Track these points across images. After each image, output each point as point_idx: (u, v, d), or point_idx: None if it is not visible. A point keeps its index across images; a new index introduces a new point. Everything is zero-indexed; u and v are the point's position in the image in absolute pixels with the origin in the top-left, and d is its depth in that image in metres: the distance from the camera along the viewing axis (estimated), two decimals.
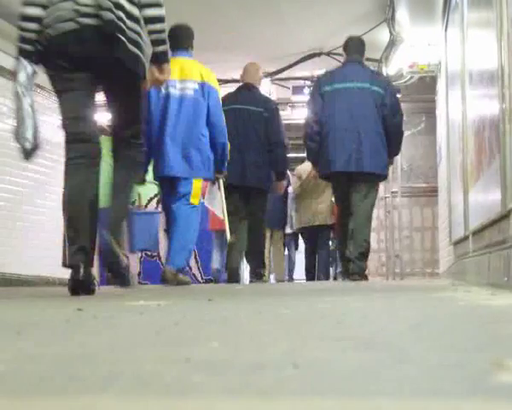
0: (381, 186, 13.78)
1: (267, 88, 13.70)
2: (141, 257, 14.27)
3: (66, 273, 12.37)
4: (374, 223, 13.24)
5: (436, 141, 12.36)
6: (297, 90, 13.46)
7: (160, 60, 4.56)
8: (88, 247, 4.57)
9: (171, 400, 1.19)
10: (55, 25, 4.32)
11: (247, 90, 8.45)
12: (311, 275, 12.37)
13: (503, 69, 4.34)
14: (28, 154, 4.98)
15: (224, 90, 13.28)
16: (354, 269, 7.69)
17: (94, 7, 4.12)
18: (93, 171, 4.90)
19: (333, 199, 10.42)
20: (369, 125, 7.52)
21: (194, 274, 14.14)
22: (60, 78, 4.61)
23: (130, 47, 4.26)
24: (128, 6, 4.22)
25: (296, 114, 14.40)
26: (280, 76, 13.05)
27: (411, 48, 10.69)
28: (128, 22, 4.23)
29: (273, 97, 13.87)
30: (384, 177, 8.02)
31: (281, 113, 13.62)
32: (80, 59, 4.34)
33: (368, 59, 11.98)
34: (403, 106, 13.42)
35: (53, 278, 11.82)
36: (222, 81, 13.48)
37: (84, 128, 4.71)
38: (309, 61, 12.16)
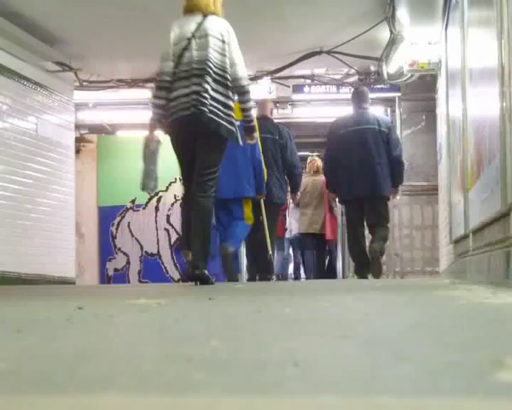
0: None
1: (267, 87, 13.69)
2: (141, 256, 14.27)
3: (65, 272, 12.31)
4: None
5: (436, 139, 12.34)
6: (297, 88, 13.42)
7: (249, 131, 6.65)
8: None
9: (172, 398, 1.20)
10: (173, 115, 6.28)
11: (263, 122, 9.35)
12: (309, 274, 13.24)
13: (504, 68, 4.34)
14: (149, 193, 7.43)
15: None
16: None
17: (200, 102, 6.15)
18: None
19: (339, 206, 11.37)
20: (378, 157, 9.11)
21: None
22: (176, 146, 6.52)
23: (229, 127, 6.24)
24: (224, 100, 6.22)
25: (296, 112, 14.40)
26: (280, 74, 13.01)
27: (412, 46, 10.66)
28: (224, 110, 6.19)
29: (273, 96, 13.86)
30: (388, 198, 9.47)
31: (281, 111, 13.69)
32: (189, 135, 6.31)
33: (368, 57, 12.00)
34: (403, 104, 13.47)
35: (54, 277, 11.82)
36: None
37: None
38: (309, 60, 12.11)
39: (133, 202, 14.40)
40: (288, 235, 14.34)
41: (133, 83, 13.61)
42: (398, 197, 10.53)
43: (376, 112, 10.41)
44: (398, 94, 13.29)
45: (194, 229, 6.30)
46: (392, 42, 10.73)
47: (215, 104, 6.17)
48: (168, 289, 6.62)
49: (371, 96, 13.53)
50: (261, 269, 9.38)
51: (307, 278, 13.68)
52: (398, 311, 3.11)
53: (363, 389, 1.22)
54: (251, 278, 9.52)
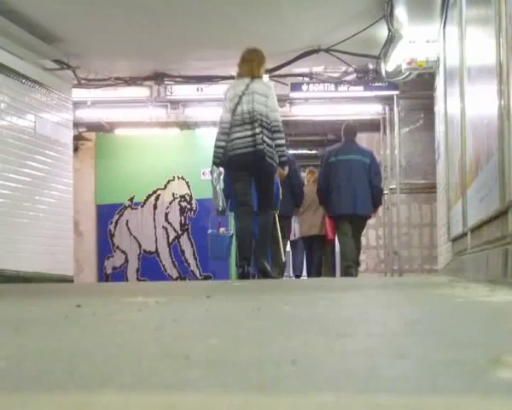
0: None
1: None
2: (139, 254, 14.27)
3: (64, 270, 12.27)
4: (373, 219, 13.67)
5: (434, 137, 12.34)
6: (295, 86, 13.41)
7: (282, 164, 8.33)
8: (248, 257, 8.24)
9: (170, 396, 1.20)
10: (232, 152, 8.11)
11: None
12: (309, 272, 13.57)
13: (502, 66, 4.34)
14: (221, 212, 8.84)
15: (223, 87, 13.31)
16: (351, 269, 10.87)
17: (252, 143, 8.03)
18: (250, 217, 8.32)
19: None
20: (361, 183, 10.71)
21: (192, 271, 14.15)
22: (234, 174, 8.27)
23: (269, 160, 8.08)
24: (268, 141, 8.05)
25: (294, 110, 14.39)
26: (278, 73, 12.98)
27: (410, 44, 10.64)
28: (268, 148, 8.04)
29: None
30: (369, 217, 11.23)
31: (279, 109, 13.75)
32: (244, 166, 8.12)
33: (367, 56, 12.00)
34: (401, 103, 13.48)
35: (52, 275, 11.82)
36: (220, 78, 13.47)
37: (246, 198, 8.27)
38: (307, 58, 12.10)
39: (131, 200, 14.39)
40: (292, 238, 14.78)
41: (131, 81, 13.61)
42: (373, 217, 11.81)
43: (361, 144, 11.67)
44: (397, 92, 13.29)
45: (260, 238, 8.37)
46: (391, 40, 10.74)
47: (262, 144, 8.05)
48: (166, 287, 6.62)
49: (369, 94, 13.60)
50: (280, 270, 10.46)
51: (308, 276, 13.98)
52: (396, 309, 3.11)
53: (361, 387, 1.22)
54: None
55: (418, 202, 13.79)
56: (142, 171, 14.23)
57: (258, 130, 8.02)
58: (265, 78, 8.21)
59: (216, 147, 8.26)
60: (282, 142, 8.23)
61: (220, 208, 8.70)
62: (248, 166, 8.08)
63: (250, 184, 8.28)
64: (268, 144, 8.03)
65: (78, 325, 2.55)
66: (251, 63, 8.41)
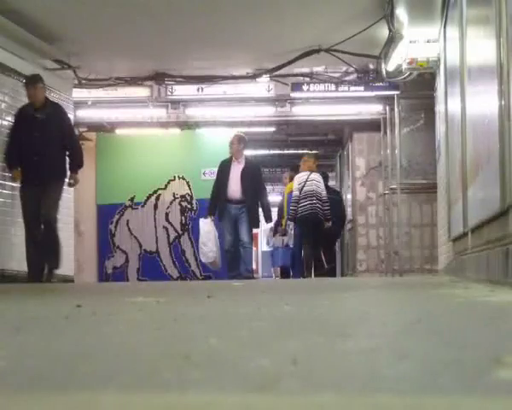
0: (380, 183, 13.95)
1: (266, 85, 13.68)
2: (140, 253, 14.26)
3: (65, 270, 12.27)
4: (373, 219, 13.51)
5: (435, 137, 12.32)
6: (296, 86, 13.39)
7: (327, 219, 12.62)
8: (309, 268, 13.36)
9: (171, 396, 1.20)
10: (300, 213, 12.27)
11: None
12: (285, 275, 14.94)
13: (502, 66, 4.34)
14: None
15: (224, 87, 13.24)
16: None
17: (312, 208, 12.28)
18: (307, 249, 13.25)
19: None
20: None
21: (193, 271, 14.15)
22: (301, 226, 12.65)
23: (321, 217, 12.27)
24: (320, 206, 12.22)
25: (295, 110, 14.37)
26: (279, 73, 12.96)
27: (410, 44, 10.62)
28: (319, 211, 12.23)
29: (272, 94, 13.87)
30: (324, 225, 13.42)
31: (279, 109, 13.75)
32: (307, 221, 12.39)
33: (367, 56, 12.00)
34: (402, 102, 13.49)
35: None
36: (221, 78, 13.47)
37: (308, 239, 12.93)
38: (308, 58, 12.07)
39: (132, 199, 14.39)
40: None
41: (132, 81, 13.61)
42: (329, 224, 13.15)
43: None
44: (397, 92, 13.28)
45: (315, 260, 12.69)
46: (391, 40, 10.73)
47: (316, 208, 12.17)
48: (167, 287, 6.62)
49: (370, 94, 13.64)
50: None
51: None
52: (397, 309, 3.11)
53: (362, 387, 1.22)
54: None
55: (419, 202, 13.78)
56: (143, 171, 14.23)
57: (314, 201, 12.34)
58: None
59: (291, 210, 12.49)
60: (328, 208, 12.39)
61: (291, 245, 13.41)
62: (309, 220, 12.27)
63: (310, 233, 12.39)
64: (320, 208, 12.28)
65: (79, 325, 2.55)
66: (311, 162, 12.78)
